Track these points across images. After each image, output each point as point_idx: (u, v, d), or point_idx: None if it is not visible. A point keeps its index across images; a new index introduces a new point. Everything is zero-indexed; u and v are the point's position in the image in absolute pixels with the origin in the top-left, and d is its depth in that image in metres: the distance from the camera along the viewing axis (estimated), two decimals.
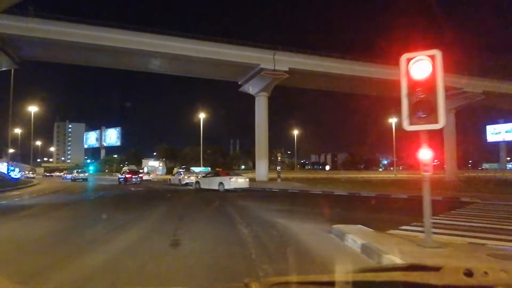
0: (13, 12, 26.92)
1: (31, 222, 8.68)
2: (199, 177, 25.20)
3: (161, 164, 73.77)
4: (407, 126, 5.02)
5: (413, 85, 4.97)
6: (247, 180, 21.13)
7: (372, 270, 1.58)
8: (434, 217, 9.33)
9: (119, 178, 34.93)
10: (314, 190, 20.66)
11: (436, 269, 1.36)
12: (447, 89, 38.47)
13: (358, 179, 41.29)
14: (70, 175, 52.53)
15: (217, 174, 21.89)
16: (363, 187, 22.67)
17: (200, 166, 61.84)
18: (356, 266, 1.47)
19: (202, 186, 21.51)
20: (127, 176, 33.13)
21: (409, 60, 5.02)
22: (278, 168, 31.71)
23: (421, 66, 4.89)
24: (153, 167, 58.13)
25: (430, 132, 5.18)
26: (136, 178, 33.36)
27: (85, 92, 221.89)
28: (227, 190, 19.51)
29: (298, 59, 36.04)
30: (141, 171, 38.82)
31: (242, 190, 20.23)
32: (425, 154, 5.04)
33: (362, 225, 7.08)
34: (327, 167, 62.52)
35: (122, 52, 31.09)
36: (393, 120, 69.43)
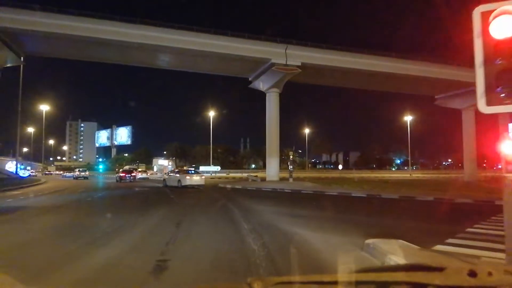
0: (17, 5, 26.16)
1: None
2: (165, 175, 28.31)
3: (170, 163, 72.93)
4: (484, 107, 3.52)
5: (494, 48, 3.49)
6: (203, 177, 24.14)
7: (375, 270, 1.53)
8: (477, 226, 7.85)
9: (116, 177, 38.40)
10: (330, 191, 19.14)
11: (440, 269, 1.35)
12: (461, 84, 36.53)
13: (372, 179, 39.50)
14: (73, 174, 55.84)
15: (178, 173, 25.10)
16: (382, 188, 21.04)
17: (209, 165, 60.95)
18: (359, 266, 1.43)
19: (168, 183, 24.09)
20: (121, 175, 36.65)
21: (486, 14, 3.54)
22: (290, 167, 30.20)
23: (506, 21, 3.41)
24: (162, 166, 57.22)
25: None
26: (130, 176, 36.40)
27: (97, 91, 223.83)
28: (185, 186, 22.22)
29: (311, 53, 34.45)
30: (135, 170, 42.41)
31: (198, 186, 22.93)
32: (509, 147, 3.55)
33: (399, 237, 5.60)
34: (340, 167, 60.68)
35: (128, 47, 30.03)
36: (408, 118, 67.04)
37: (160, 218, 8.93)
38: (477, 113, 42.17)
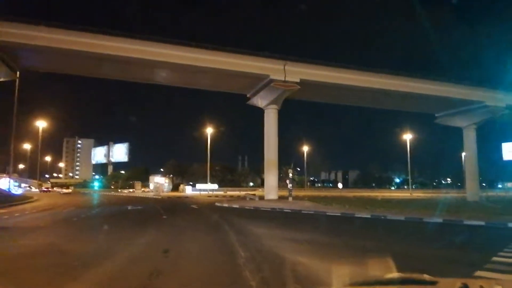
0: (11, 19, 25.79)
1: None
2: None
3: (167, 181, 71.69)
4: None
5: None
6: None
7: (369, 283, 1.54)
8: (501, 254, 6.98)
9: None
10: (331, 211, 18.20)
11: (433, 283, 1.36)
12: (470, 103, 36.06)
13: (373, 198, 38.42)
14: (60, 190, 68.68)
15: None
16: (386, 208, 20.09)
17: (207, 183, 59.83)
18: (353, 279, 1.42)
19: None
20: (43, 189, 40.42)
21: None
22: (290, 185, 29.20)
23: None
24: (158, 184, 56.08)
25: None
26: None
27: (95, 107, 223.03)
28: None
29: (310, 70, 34.12)
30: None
31: None
32: None
33: (424, 271, 4.71)
34: (340, 185, 59.67)
35: (126, 62, 29.57)
36: (408, 136, 66.38)
37: (146, 244, 8.00)
38: (479, 132, 41.57)
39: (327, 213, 17.59)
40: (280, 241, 8.58)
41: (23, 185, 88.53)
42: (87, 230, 10.60)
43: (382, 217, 15.65)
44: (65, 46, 26.98)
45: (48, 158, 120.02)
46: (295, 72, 33.50)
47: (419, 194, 65.58)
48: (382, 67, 36.84)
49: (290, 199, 27.47)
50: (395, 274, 1.58)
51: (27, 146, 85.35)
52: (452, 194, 60.80)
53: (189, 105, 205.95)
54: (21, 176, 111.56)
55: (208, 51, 31.01)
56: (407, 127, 65.93)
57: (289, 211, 19.26)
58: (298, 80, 33.46)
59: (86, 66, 31.04)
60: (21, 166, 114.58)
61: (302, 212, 18.62)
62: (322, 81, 34.43)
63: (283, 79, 32.96)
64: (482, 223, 13.36)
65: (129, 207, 20.87)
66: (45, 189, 65.68)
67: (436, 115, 47.45)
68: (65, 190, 65.70)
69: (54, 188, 75.09)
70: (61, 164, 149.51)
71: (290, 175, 30.80)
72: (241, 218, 15.15)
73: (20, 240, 8.48)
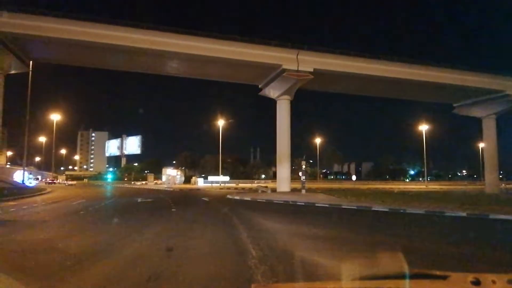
0: (19, 10, 25.54)
1: None
2: None
3: (179, 173, 71.72)
4: None
5: None
6: None
7: (379, 277, 1.54)
8: None
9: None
10: (347, 204, 17.44)
11: (444, 277, 1.34)
12: (488, 92, 34.43)
13: (388, 190, 37.38)
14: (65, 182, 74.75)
15: None
16: (404, 201, 19.15)
17: (219, 175, 59.54)
18: (363, 273, 1.40)
19: None
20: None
21: None
22: (303, 178, 28.38)
23: None
24: (170, 176, 56.00)
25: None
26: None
27: (108, 100, 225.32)
28: None
29: (324, 59, 33.06)
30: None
31: None
32: None
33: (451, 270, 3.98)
34: (354, 177, 58.52)
35: (136, 53, 29.12)
36: (423, 127, 64.27)
37: (149, 240, 7.45)
38: (499, 122, 39.60)
39: (343, 206, 16.84)
40: (294, 237, 7.94)
41: (38, 177, 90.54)
42: (91, 224, 10.14)
43: (401, 211, 14.81)
44: (74, 36, 26.66)
45: (63, 151, 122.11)
46: (309, 61, 32.52)
47: (434, 186, 64.03)
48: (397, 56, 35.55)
49: (303, 191, 26.76)
50: (405, 269, 1.54)
51: (42, 139, 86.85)
52: (469, 186, 59.06)
53: (202, 97, 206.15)
54: (38, 168, 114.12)
55: (218, 41, 30.29)
56: (422, 118, 63.96)
57: (303, 204, 18.56)
58: (311, 70, 32.48)
59: (95, 57, 30.74)
60: (37, 159, 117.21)
61: (316, 205, 17.90)
62: (336, 70, 33.36)
63: (296, 68, 32.03)
64: (509, 217, 12.45)
65: (139, 200, 20.52)
66: (50, 181, 67.29)
67: (454, 105, 45.81)
68: (70, 182, 72.95)
69: (59, 180, 78.41)
70: (76, 157, 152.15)
71: (303, 167, 29.96)
72: (252, 211, 14.54)
73: (17, 235, 8.05)
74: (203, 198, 22.85)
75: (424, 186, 60.58)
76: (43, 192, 32.37)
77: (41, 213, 13.30)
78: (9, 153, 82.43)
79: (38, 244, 6.88)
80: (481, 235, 9.45)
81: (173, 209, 14.09)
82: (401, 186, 57.76)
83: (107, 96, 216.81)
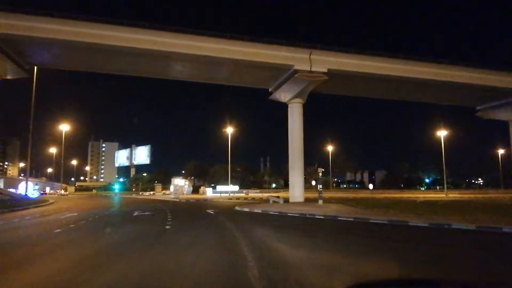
0: (14, 10, 24.01)
1: None
2: None
3: (187, 183, 69.56)
4: None
5: None
6: None
7: (371, 285, 1.48)
8: None
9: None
10: (375, 218, 14.79)
11: (435, 284, 1.36)
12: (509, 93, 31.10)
13: (410, 200, 34.25)
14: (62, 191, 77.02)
15: None
16: (444, 213, 16.34)
17: (228, 184, 57.19)
18: (354, 281, 1.35)
19: None
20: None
21: None
22: (319, 187, 25.70)
23: None
24: (177, 186, 53.85)
25: None
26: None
27: (118, 111, 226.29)
28: None
29: (339, 58, 30.77)
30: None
31: None
32: None
33: None
34: (371, 186, 55.50)
35: (138, 54, 27.33)
36: (441, 133, 60.79)
37: (115, 279, 5.17)
38: None
39: (371, 221, 14.26)
40: (333, 278, 5.42)
41: (47, 188, 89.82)
42: (56, 250, 7.87)
43: (446, 226, 12.22)
44: (72, 38, 25.03)
45: (74, 162, 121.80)
46: (322, 61, 30.28)
47: (455, 195, 60.19)
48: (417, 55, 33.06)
49: (320, 202, 24.14)
50: (397, 276, 1.57)
51: (53, 150, 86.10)
52: (491, 195, 55.23)
53: (209, 106, 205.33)
54: (49, 179, 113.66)
55: (226, 40, 28.35)
56: (439, 122, 60.73)
57: (322, 217, 16.02)
58: (325, 70, 30.21)
59: (95, 61, 29.05)
60: (49, 170, 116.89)
61: (339, 219, 15.35)
62: (352, 70, 31.02)
63: (308, 69, 29.81)
64: None
65: (135, 213, 18.25)
66: (42, 192, 66.55)
67: (477, 108, 42.92)
68: (63, 192, 78.41)
69: (51, 191, 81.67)
70: (87, 168, 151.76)
71: (320, 174, 27.39)
72: (265, 229, 12.07)
73: None
74: (208, 211, 20.47)
75: (443, 195, 56.99)
76: (43, 204, 30.47)
77: (8, 232, 11.13)
78: (22, 165, 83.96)
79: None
80: None
81: (167, 226, 11.61)
82: (419, 195, 54.27)
83: (115, 106, 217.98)
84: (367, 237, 10.48)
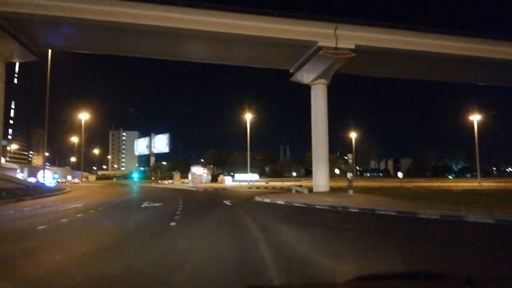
0: None
1: None
2: None
3: (205, 171, 68.12)
4: None
5: None
6: None
7: (374, 277, 1.50)
8: None
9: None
10: (423, 211, 12.24)
11: (439, 276, 1.32)
12: None
13: (446, 189, 31.05)
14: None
15: None
16: (497, 205, 13.70)
17: (247, 173, 55.36)
18: (359, 274, 1.35)
19: None
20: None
21: None
22: (350, 175, 23.06)
23: None
24: (195, 174, 52.38)
25: None
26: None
27: (138, 99, 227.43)
28: None
29: (368, 33, 27.74)
30: None
31: None
32: None
33: None
34: (400, 174, 52.31)
35: (147, 32, 25.29)
36: (474, 117, 56.33)
37: None
38: None
39: (418, 215, 11.79)
40: None
41: (69, 176, 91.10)
42: (38, 250, 6.09)
43: None
44: (80, 15, 23.31)
45: (96, 151, 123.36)
46: (349, 37, 27.36)
47: (489, 183, 55.90)
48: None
49: (351, 192, 21.62)
50: (401, 269, 1.65)
51: (75, 139, 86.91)
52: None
53: (229, 94, 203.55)
54: (72, 168, 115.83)
55: (243, 15, 25.90)
56: (469, 107, 56.33)
57: (357, 210, 13.66)
58: (352, 47, 27.30)
59: (106, 41, 27.24)
60: (72, 159, 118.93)
61: (379, 213, 12.95)
62: (382, 47, 27.95)
63: (334, 45, 27.00)
64: None
65: (145, 204, 16.49)
66: (59, 181, 67.11)
67: None
68: (83, 180, 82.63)
69: (73, 180, 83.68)
70: (109, 157, 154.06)
71: (350, 161, 24.95)
72: (292, 226, 9.88)
73: None
74: (225, 202, 18.47)
75: (477, 184, 53.01)
76: (57, 193, 29.54)
77: (19, 222, 9.56)
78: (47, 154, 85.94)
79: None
80: None
81: (172, 223, 9.48)
82: (451, 184, 50.63)
83: (134, 94, 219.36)
84: (423, 239, 8.07)
